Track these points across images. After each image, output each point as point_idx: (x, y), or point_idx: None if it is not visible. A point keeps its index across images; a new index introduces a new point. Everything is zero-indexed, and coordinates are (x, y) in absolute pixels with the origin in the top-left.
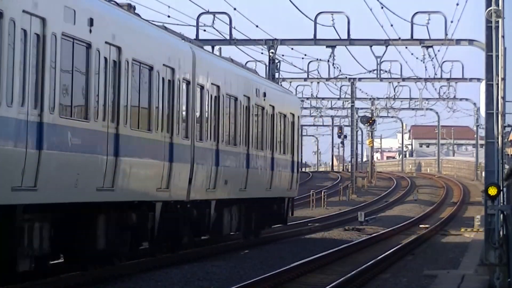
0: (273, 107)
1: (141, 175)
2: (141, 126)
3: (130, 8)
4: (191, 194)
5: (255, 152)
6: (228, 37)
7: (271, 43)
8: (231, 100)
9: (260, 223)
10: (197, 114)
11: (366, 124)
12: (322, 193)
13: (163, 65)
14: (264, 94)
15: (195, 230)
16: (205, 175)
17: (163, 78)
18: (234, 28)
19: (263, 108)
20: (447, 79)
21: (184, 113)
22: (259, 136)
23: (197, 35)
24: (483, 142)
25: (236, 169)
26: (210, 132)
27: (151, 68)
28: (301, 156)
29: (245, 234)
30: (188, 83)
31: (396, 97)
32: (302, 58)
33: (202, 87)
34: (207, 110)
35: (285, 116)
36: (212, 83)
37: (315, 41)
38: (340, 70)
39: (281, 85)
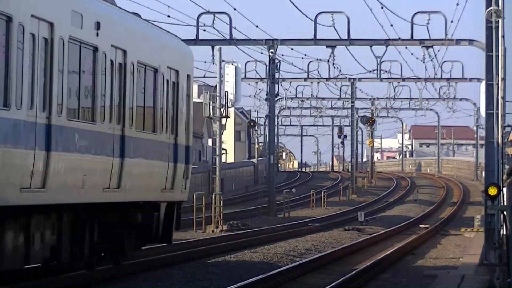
0: (124, 52)
1: None
2: None
3: None
4: None
5: (71, 124)
6: (228, 37)
7: (271, 43)
8: None
9: (111, 245)
10: None
11: (366, 124)
12: (322, 193)
13: None
14: (98, 26)
15: None
16: None
17: None
18: (234, 28)
19: (95, 50)
20: (447, 79)
21: None
22: (83, 97)
23: (197, 35)
24: (483, 142)
25: (10, 152)
26: None
27: None
28: (301, 155)
29: (90, 263)
30: None
31: (396, 97)
32: (302, 58)
33: None
34: None
35: (156, 71)
36: None
37: (315, 41)
38: (340, 70)
39: (280, 85)
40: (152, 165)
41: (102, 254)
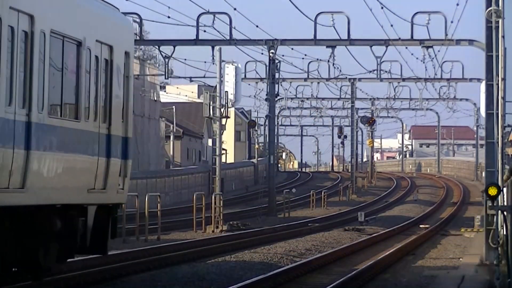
0: (31, 18)
1: None
2: None
3: None
4: None
5: None
6: (228, 37)
7: (271, 43)
8: None
9: (21, 258)
10: None
11: (366, 124)
12: (322, 193)
13: None
14: None
15: None
16: None
17: None
18: (234, 28)
19: None
20: (447, 79)
21: None
22: None
23: (197, 35)
24: (483, 142)
25: None
26: None
27: None
28: (301, 156)
29: None
30: None
31: (396, 97)
32: (302, 58)
33: None
34: None
35: (79, 44)
36: None
37: (315, 41)
38: (340, 70)
39: (280, 85)
40: (74, 160)
41: (14, 269)
